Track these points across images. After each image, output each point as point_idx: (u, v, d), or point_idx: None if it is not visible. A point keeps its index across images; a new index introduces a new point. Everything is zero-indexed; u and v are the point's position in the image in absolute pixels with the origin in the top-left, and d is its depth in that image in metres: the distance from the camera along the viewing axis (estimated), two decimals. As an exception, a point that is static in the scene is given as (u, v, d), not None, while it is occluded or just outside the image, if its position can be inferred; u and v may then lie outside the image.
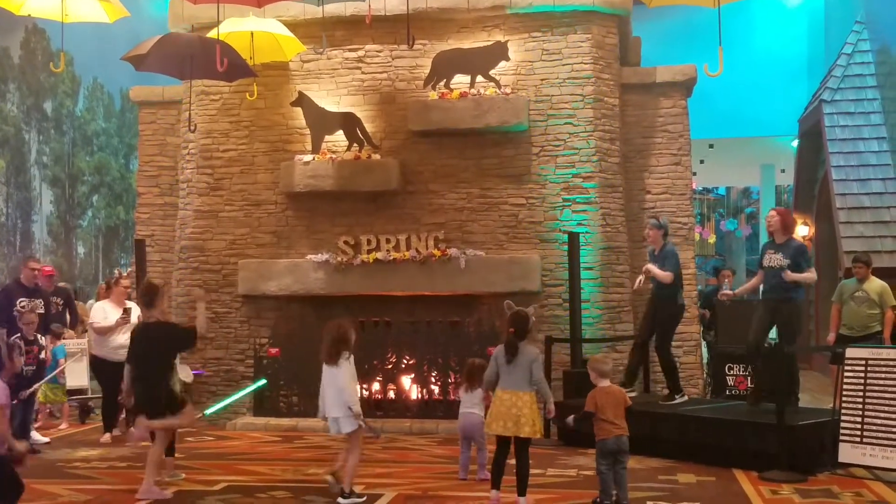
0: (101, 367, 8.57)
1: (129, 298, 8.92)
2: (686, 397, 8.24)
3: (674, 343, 9.41)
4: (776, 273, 7.48)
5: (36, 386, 8.02)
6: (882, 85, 12.64)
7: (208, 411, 7.64)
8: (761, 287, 7.97)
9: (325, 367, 6.11)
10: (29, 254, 11.04)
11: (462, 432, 6.75)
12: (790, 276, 7.34)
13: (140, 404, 6.32)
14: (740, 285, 10.43)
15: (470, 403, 6.73)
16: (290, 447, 8.24)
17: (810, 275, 7.54)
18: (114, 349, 8.38)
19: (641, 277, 8.24)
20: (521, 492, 5.72)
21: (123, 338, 8.34)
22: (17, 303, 8.74)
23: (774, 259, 7.52)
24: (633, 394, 8.06)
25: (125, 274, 8.99)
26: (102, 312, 8.60)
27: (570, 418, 6.05)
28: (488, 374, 5.93)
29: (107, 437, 8.43)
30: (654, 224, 8.23)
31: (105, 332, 8.47)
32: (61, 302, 9.78)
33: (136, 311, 8.53)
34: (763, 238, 16.98)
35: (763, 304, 7.69)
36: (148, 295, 6.43)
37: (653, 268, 8.05)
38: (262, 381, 8.32)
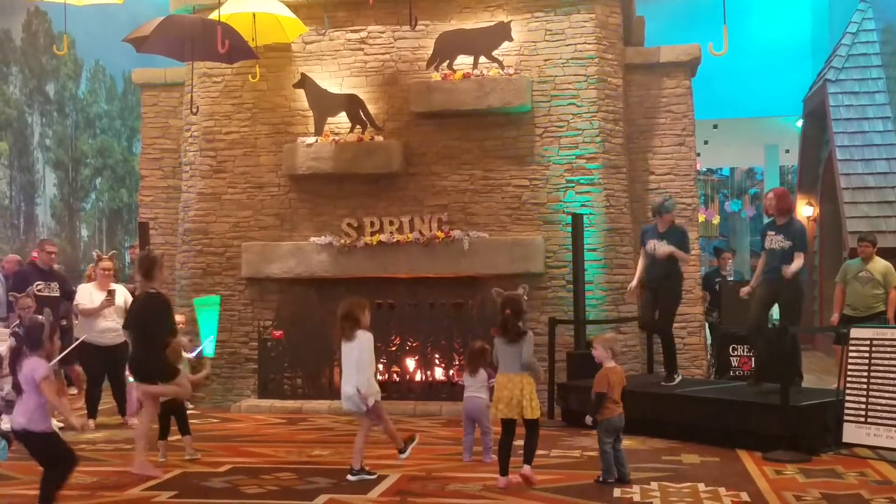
0: (86, 352, 8.44)
1: (117, 280, 8.91)
2: (681, 376, 8.21)
3: (677, 324, 9.43)
4: (777, 255, 7.45)
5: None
6: (887, 64, 12.57)
7: (208, 350, 8.13)
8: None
9: (343, 344, 6.21)
10: (45, 237, 11.04)
11: (467, 415, 6.77)
12: (789, 272, 7.28)
13: (132, 369, 6.66)
14: (742, 266, 10.43)
15: (475, 387, 6.74)
16: (294, 429, 8.27)
17: (798, 261, 7.37)
18: (100, 333, 8.32)
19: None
20: (527, 460, 5.82)
21: (109, 321, 8.34)
22: (34, 286, 8.75)
23: (776, 241, 7.49)
24: (679, 378, 8.08)
25: (106, 256, 8.90)
26: (88, 295, 8.46)
27: (589, 419, 6.04)
28: (495, 356, 6.00)
29: (90, 423, 8.20)
30: (670, 208, 8.06)
31: (90, 313, 8.35)
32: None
33: (120, 293, 8.51)
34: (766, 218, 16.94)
35: (765, 284, 7.64)
36: (145, 266, 6.58)
37: (671, 248, 7.81)
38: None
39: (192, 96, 9.33)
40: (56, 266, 9.56)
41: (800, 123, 15.60)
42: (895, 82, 12.22)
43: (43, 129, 12.09)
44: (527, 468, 5.80)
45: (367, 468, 6.12)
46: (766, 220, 8.02)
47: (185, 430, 6.93)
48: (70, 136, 12.74)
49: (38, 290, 8.71)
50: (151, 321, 6.46)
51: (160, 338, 6.51)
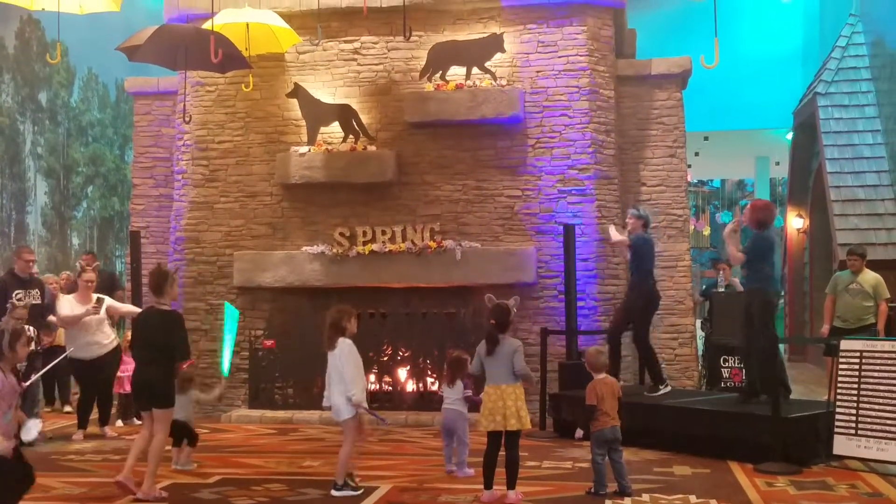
0: (74, 366, 8.37)
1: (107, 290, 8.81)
2: (669, 388, 8.20)
3: (669, 335, 9.48)
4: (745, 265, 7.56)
5: (34, 378, 7.98)
6: (876, 77, 12.66)
7: (225, 371, 7.79)
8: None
9: (328, 355, 6.13)
10: (22, 244, 10.96)
11: (444, 426, 6.69)
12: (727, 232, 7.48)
13: (139, 392, 6.26)
14: (735, 277, 10.49)
15: (452, 398, 6.68)
16: (285, 439, 8.25)
17: (737, 255, 7.45)
18: (87, 345, 8.22)
19: (612, 230, 8.36)
20: (511, 485, 5.71)
21: (95, 334, 8.25)
22: (14, 295, 8.67)
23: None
24: (666, 389, 8.11)
25: (90, 268, 8.80)
26: (69, 306, 8.31)
27: (580, 433, 6.01)
28: (473, 367, 5.94)
29: (79, 434, 8.26)
30: (633, 213, 8.25)
31: (72, 321, 8.19)
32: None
33: (106, 302, 8.38)
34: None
35: (743, 297, 7.75)
36: (156, 280, 6.21)
37: (614, 233, 8.19)
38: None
39: (184, 105, 9.33)
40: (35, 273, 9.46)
41: (790, 136, 15.68)
42: (885, 95, 12.29)
43: (35, 137, 12.05)
44: (511, 495, 5.66)
45: (351, 482, 6.04)
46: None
47: (192, 441, 6.93)
48: (62, 145, 12.71)
49: (18, 299, 8.64)
50: (164, 340, 6.05)
51: (174, 359, 6.15)
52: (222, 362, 8.73)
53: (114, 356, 8.48)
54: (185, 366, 7.39)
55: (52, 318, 8.99)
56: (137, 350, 6.31)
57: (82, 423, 8.39)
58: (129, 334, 8.98)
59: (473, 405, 6.56)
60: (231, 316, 8.82)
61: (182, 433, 6.88)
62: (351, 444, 6.05)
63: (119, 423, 8.78)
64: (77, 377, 8.59)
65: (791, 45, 17.03)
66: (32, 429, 4.98)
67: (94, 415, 8.54)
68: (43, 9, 8.08)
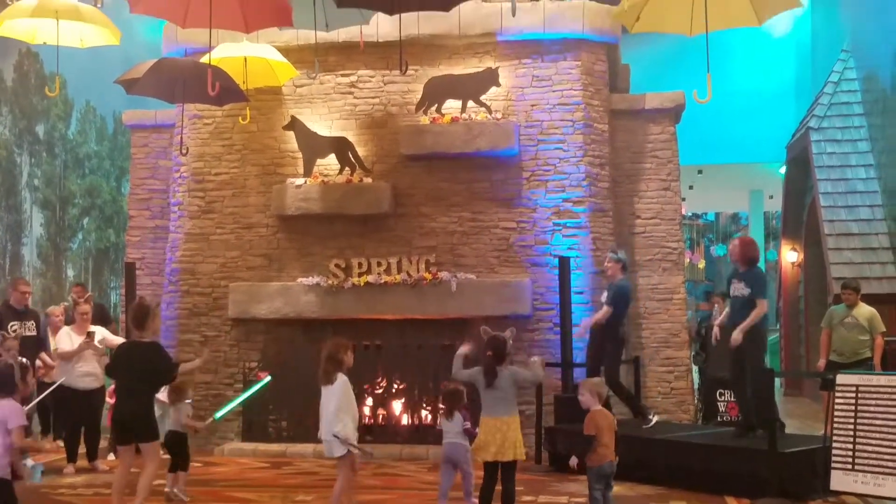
0: (65, 396, 8.25)
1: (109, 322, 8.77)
2: (657, 416, 8.22)
3: (665, 368, 9.46)
4: (738, 302, 7.51)
5: (26, 409, 7.91)
6: (868, 112, 12.76)
7: (218, 415, 7.57)
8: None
9: (322, 388, 6.10)
10: (18, 275, 10.94)
11: (446, 459, 6.62)
12: (737, 338, 7.28)
13: (123, 425, 6.04)
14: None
15: (453, 432, 6.61)
16: (278, 473, 8.17)
17: (757, 311, 7.32)
18: (79, 376, 8.18)
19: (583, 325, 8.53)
20: None
21: (88, 365, 8.20)
22: (9, 326, 8.63)
23: (737, 289, 7.56)
24: (654, 419, 8.19)
25: (83, 300, 8.78)
26: (68, 339, 8.27)
27: (574, 461, 5.97)
28: (462, 373, 5.88)
29: (70, 468, 8.18)
30: (612, 257, 8.33)
31: (69, 356, 8.18)
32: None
33: (100, 334, 8.37)
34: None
35: (729, 334, 7.70)
36: (138, 315, 6.09)
37: (588, 321, 8.47)
38: (267, 379, 8.10)
39: (181, 137, 9.37)
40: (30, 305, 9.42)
41: (783, 170, 15.77)
42: (877, 130, 12.39)
43: (31, 168, 12.07)
44: None
45: None
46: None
47: (184, 466, 6.85)
48: (59, 176, 12.73)
49: (14, 331, 8.59)
50: (146, 371, 5.93)
51: (156, 389, 6.13)
52: (223, 407, 8.35)
53: (104, 389, 8.46)
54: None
55: (44, 356, 8.95)
56: (118, 384, 6.17)
57: (71, 457, 8.31)
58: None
59: (472, 437, 6.53)
60: (261, 382, 8.14)
61: (176, 450, 6.79)
62: (344, 480, 6.00)
63: (111, 456, 8.69)
64: (66, 407, 8.51)
65: (783, 80, 17.18)
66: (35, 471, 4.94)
67: (82, 449, 8.46)
68: (44, 42, 8.13)
